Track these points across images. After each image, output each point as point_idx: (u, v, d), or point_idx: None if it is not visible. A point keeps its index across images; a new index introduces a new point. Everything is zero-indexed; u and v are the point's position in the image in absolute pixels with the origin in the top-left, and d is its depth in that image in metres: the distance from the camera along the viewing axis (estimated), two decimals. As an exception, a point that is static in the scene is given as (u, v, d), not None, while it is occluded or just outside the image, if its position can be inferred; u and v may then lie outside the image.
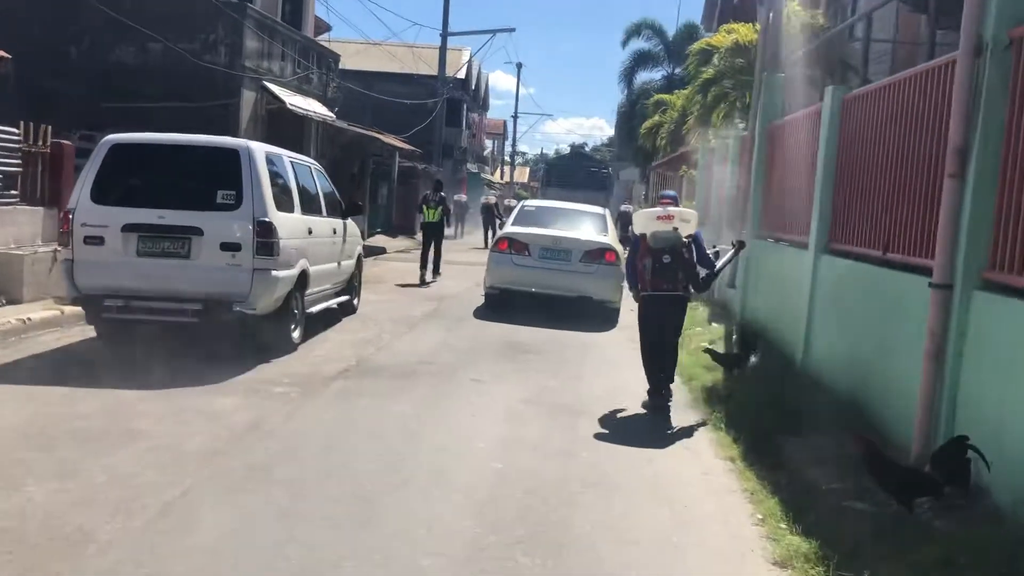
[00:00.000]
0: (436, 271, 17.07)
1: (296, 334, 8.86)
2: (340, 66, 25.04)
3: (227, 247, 7.84)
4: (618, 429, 6.71)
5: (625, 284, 8.13)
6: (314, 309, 9.52)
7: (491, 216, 28.46)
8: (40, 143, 11.00)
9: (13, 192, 10.47)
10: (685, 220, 7.29)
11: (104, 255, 7.83)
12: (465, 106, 45.44)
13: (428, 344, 9.72)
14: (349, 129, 23.20)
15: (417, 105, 32.01)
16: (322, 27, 28.33)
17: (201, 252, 7.83)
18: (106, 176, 7.97)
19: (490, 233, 27.55)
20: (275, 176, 8.41)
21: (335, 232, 10.29)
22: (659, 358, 7.36)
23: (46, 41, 16.69)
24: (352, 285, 11.40)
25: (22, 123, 10.63)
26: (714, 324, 11.19)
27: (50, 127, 11.12)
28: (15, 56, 15.77)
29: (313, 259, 9.15)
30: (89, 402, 6.35)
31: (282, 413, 6.40)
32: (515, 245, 12.52)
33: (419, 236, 19.41)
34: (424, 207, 17.36)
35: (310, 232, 9.06)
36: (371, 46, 34.63)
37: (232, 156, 8.00)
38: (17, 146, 10.53)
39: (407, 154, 30.37)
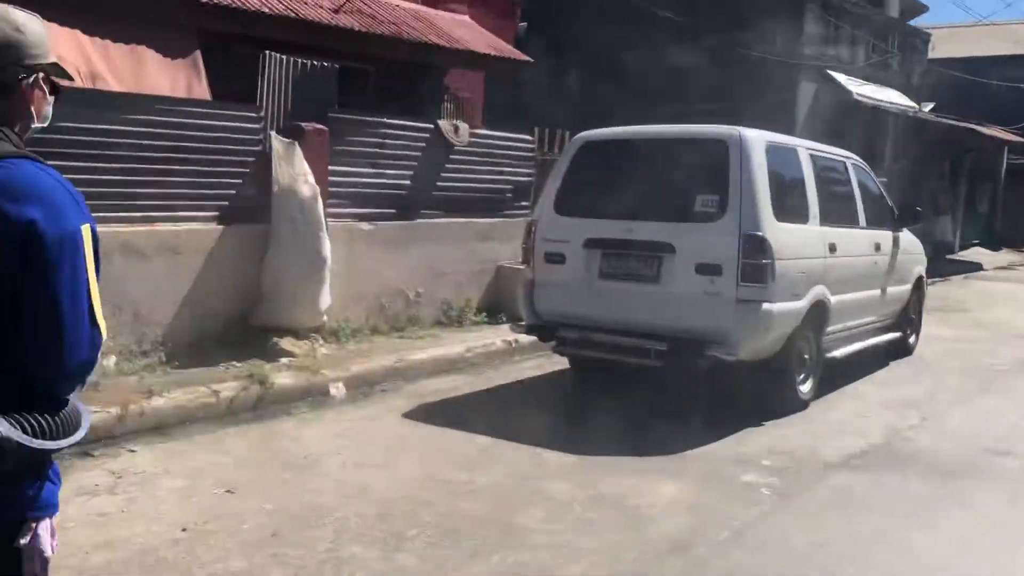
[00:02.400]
0: None
1: (806, 388, 6.53)
2: (937, 54, 21.23)
3: (704, 270, 5.91)
4: None
5: None
6: (839, 353, 7.04)
7: None
8: (557, 150, 10.30)
9: (524, 203, 9.89)
10: None
11: (565, 276, 6.51)
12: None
13: (1008, 418, 6.56)
14: (937, 121, 19.39)
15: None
16: (915, 9, 24.61)
17: (672, 275, 6.04)
18: (573, 181, 6.66)
19: None
20: (779, 175, 6.23)
21: (878, 248, 7.66)
22: None
23: (602, 48, 16.55)
24: (906, 318, 8.57)
25: (536, 130, 10.02)
26: None
27: (568, 133, 10.36)
28: (573, 65, 15.93)
29: (837, 286, 6.72)
30: (493, 467, 4.98)
31: (732, 525, 4.26)
32: None
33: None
34: None
35: (832, 249, 6.65)
36: (974, 29, 29.35)
37: (718, 150, 6.05)
38: (531, 155, 9.95)
39: (1018, 148, 24.86)
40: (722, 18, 15.53)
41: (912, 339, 8.78)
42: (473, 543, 3.95)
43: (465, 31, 10.60)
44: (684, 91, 15.11)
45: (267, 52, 7.28)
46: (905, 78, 19.55)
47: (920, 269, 8.88)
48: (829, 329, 6.76)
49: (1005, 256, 22.87)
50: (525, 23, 12.30)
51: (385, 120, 8.22)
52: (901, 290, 8.29)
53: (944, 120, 19.76)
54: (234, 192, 7.16)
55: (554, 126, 10.56)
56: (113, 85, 6.99)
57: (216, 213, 7.08)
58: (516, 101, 13.26)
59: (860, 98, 16.09)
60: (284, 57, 7.38)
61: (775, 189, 6.05)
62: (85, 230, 1.71)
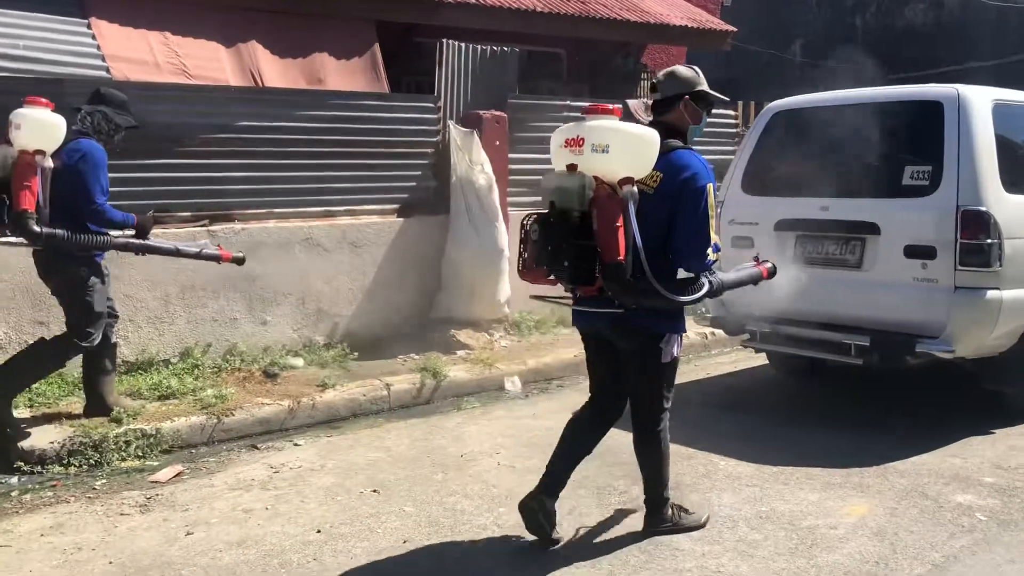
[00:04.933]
0: None
1: (1051, 390, 5.50)
2: None
3: (914, 252, 5.08)
4: None
5: None
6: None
7: None
8: (765, 125, 9.51)
9: (726, 184, 9.20)
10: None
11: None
12: None
13: None
14: None
15: None
16: None
17: (877, 259, 5.25)
18: (763, 156, 6.00)
19: None
20: (1010, 139, 5.24)
21: None
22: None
23: (830, 17, 15.26)
24: None
25: (739, 104, 9.29)
26: None
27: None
28: (793, 33, 14.83)
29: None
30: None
31: (931, 557, 3.54)
32: None
33: None
34: None
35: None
36: None
37: (931, 113, 5.16)
38: (733, 131, 9.23)
39: None
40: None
41: None
42: (612, 564, 3.55)
43: (661, 4, 10.02)
44: (929, 54, 13.57)
45: (443, 40, 7.16)
46: None
47: None
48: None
49: None
50: (734, -10, 11.51)
51: (568, 103, 7.88)
52: None
53: None
54: (414, 184, 7.14)
55: (771, 98, 9.75)
56: (292, 82, 7.17)
57: (396, 206, 7.08)
58: (729, 75, 12.45)
59: None
60: (461, 44, 7.24)
61: (1005, 156, 5.09)
62: (709, 186, 3.34)
